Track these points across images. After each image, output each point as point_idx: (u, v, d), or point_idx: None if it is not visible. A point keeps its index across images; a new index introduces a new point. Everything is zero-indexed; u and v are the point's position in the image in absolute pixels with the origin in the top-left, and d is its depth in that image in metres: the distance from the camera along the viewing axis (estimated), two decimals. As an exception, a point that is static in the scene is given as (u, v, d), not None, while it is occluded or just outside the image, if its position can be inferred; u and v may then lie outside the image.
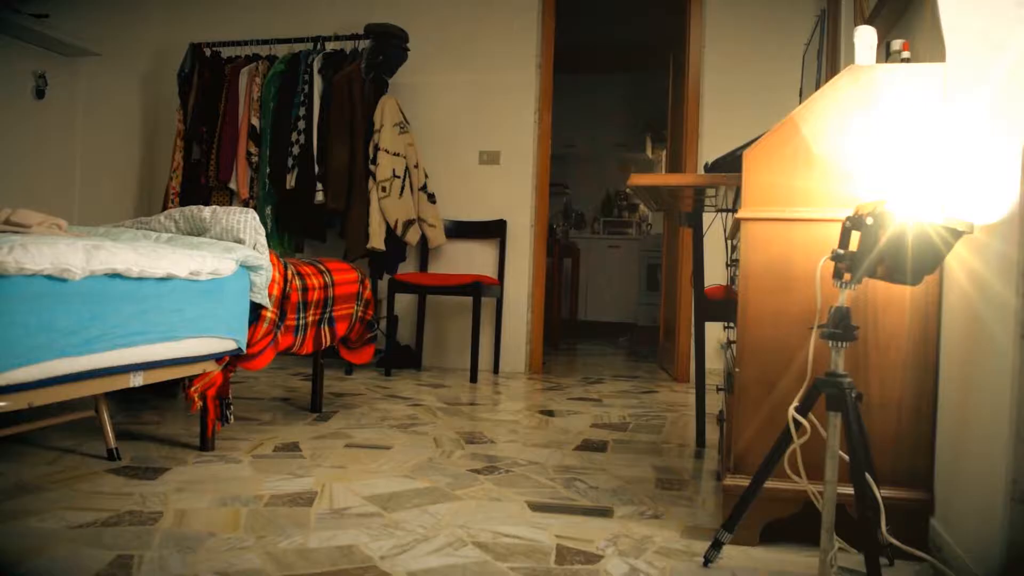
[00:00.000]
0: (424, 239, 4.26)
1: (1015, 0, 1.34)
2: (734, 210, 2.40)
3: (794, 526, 1.66)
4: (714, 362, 4.05)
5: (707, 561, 1.52)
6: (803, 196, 1.66)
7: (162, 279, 1.94)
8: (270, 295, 2.35)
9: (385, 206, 3.98)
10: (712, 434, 2.67)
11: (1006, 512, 1.25)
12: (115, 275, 1.79)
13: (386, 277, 4.19)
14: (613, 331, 7.27)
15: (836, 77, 1.67)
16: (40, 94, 4.11)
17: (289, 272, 2.48)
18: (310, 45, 4.37)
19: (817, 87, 2.30)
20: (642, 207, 8.01)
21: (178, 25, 4.85)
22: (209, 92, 4.41)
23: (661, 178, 2.24)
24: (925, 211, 1.27)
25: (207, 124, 4.38)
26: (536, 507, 1.86)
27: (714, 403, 3.18)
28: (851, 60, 1.71)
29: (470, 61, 4.48)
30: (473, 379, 3.92)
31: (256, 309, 2.33)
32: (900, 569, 1.54)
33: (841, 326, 1.34)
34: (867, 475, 1.35)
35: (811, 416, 1.42)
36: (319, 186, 4.09)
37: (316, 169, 4.10)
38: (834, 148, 1.65)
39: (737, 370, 1.71)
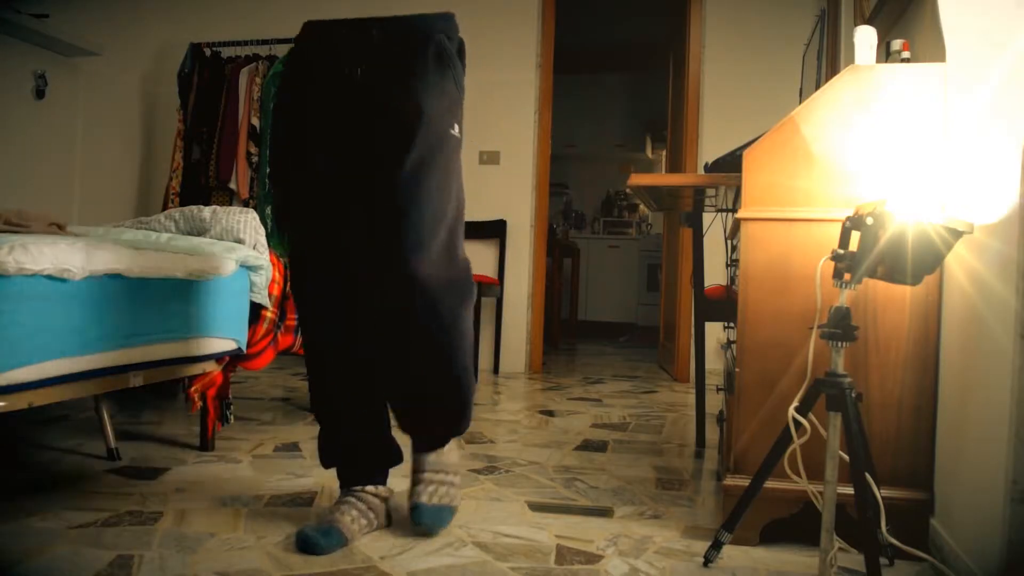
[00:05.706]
0: (424, 239, 4.25)
1: (1015, 0, 1.34)
2: (734, 210, 2.40)
3: (794, 526, 1.66)
4: (714, 362, 4.05)
5: (707, 561, 1.52)
6: (803, 196, 1.66)
7: (162, 279, 1.94)
8: (270, 295, 2.35)
9: (385, 206, 3.97)
10: (712, 434, 2.67)
11: (1006, 512, 1.25)
12: (115, 275, 1.79)
13: (386, 277, 4.19)
14: (613, 331, 7.27)
15: (836, 77, 1.67)
16: (40, 94, 4.11)
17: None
18: (310, 45, 4.36)
19: (817, 87, 2.30)
20: (642, 207, 8.01)
21: (178, 25, 4.85)
22: (209, 92, 4.41)
23: (661, 178, 2.24)
24: (925, 211, 1.27)
25: (207, 124, 4.38)
26: (536, 507, 1.86)
27: (714, 403, 3.18)
28: (851, 60, 1.71)
29: (470, 61, 4.41)
30: (473, 379, 3.91)
31: (256, 309, 2.33)
32: (900, 569, 1.54)
33: (841, 326, 1.34)
34: (867, 475, 1.35)
35: (811, 416, 1.42)
36: (319, 186, 4.09)
37: (316, 169, 4.09)
38: (834, 148, 1.65)
39: (737, 370, 1.70)
